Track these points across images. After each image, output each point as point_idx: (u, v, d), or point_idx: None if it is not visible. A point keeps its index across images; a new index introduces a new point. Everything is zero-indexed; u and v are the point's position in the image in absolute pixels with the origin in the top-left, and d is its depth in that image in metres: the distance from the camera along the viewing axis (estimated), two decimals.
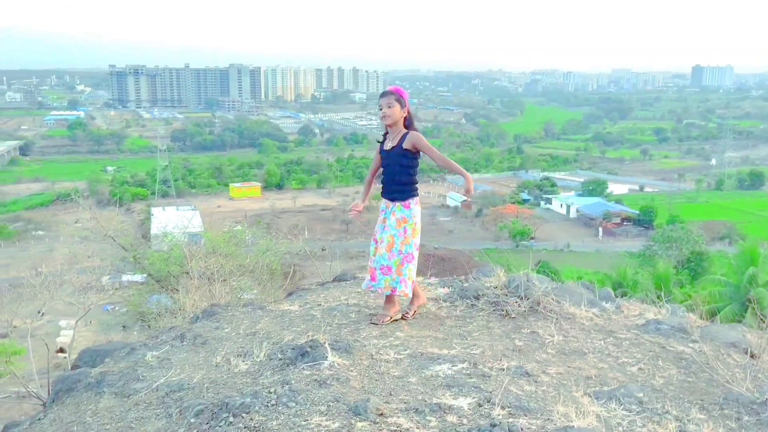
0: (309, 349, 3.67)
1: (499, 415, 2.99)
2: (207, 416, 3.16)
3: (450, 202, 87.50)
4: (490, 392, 3.25)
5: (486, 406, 3.09)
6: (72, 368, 4.88)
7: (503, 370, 3.64)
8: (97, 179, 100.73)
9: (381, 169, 4.68)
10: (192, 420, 3.20)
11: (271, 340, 4.21)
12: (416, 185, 4.61)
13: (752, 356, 4.46)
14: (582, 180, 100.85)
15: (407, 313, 4.66)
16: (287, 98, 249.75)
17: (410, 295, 4.60)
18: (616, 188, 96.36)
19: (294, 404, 3.07)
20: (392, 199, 4.56)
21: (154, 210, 77.64)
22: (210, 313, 4.99)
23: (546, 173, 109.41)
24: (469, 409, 3.07)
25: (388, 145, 4.59)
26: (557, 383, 3.55)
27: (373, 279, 4.53)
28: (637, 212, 76.15)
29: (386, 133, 4.65)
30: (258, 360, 3.85)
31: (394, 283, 4.49)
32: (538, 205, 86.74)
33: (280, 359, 3.77)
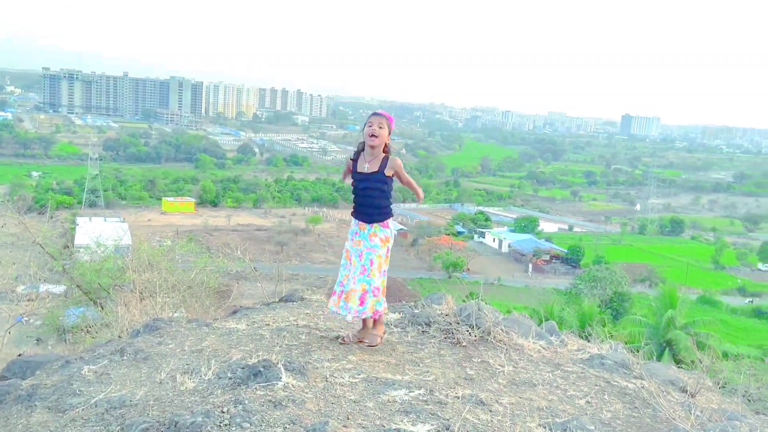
0: (262, 369, 3.55)
1: None
2: None
3: None
4: (448, 420, 3.22)
5: None
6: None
7: (458, 398, 3.62)
8: (20, 184, 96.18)
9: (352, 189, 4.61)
10: None
11: (218, 358, 4.06)
12: (391, 206, 4.61)
13: (692, 395, 4.61)
14: (515, 216, 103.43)
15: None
16: (228, 115, 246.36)
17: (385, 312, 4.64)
18: (546, 226, 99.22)
19: (248, 425, 2.95)
20: (370, 221, 4.50)
21: (80, 220, 74.72)
22: (152, 328, 4.78)
23: (481, 207, 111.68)
24: None
25: (365, 168, 4.48)
26: (511, 413, 3.56)
27: (362, 303, 4.45)
28: (566, 251, 78.51)
29: (361, 150, 4.54)
30: (206, 378, 3.69)
31: (378, 304, 4.50)
32: (472, 238, 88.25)
33: (230, 378, 3.63)
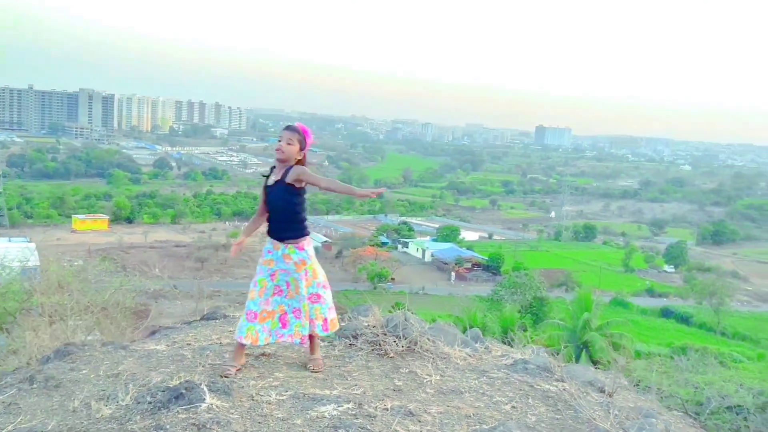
0: (184, 391, 3.41)
1: None
2: None
3: None
4: None
5: None
6: None
7: (387, 410, 3.61)
8: None
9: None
10: None
11: (137, 382, 3.87)
12: (305, 222, 4.38)
13: (609, 395, 4.80)
14: (437, 226, 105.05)
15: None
16: (143, 129, 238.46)
17: (322, 335, 4.48)
18: (468, 235, 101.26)
19: None
20: (281, 239, 4.28)
21: None
22: (63, 353, 4.52)
23: (404, 218, 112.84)
24: None
25: (271, 180, 4.30)
26: (440, 422, 3.58)
27: (283, 326, 4.29)
28: (487, 259, 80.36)
29: (273, 167, 4.38)
30: (123, 404, 3.52)
31: (303, 329, 4.30)
32: (396, 248, 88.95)
33: (150, 402, 3.47)
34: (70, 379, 4.03)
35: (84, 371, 4.18)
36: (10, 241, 67.09)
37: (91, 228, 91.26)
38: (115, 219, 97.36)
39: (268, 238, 4.36)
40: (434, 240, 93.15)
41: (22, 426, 3.33)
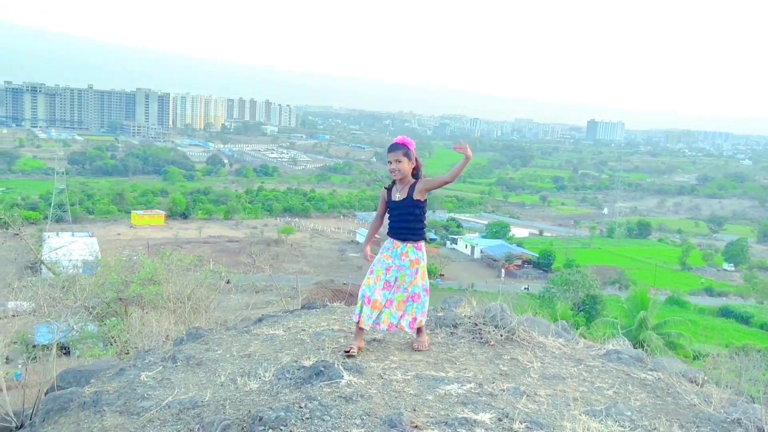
0: (323, 369, 3.79)
1: (519, 429, 3.25)
2: (236, 431, 3.21)
3: (359, 239, 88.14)
4: (503, 409, 3.51)
5: (505, 421, 3.34)
6: (51, 390, 4.70)
7: (504, 390, 3.91)
8: None
9: (387, 215, 4.81)
10: None
11: (270, 362, 4.28)
12: (425, 227, 4.80)
13: (700, 386, 4.99)
14: (486, 222, 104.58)
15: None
16: (197, 126, 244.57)
17: (410, 333, 4.81)
18: (517, 231, 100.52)
19: (329, 417, 3.20)
20: (404, 239, 4.68)
21: (47, 235, 73.38)
22: (195, 336, 4.97)
23: (452, 214, 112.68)
24: (491, 423, 3.31)
25: (397, 196, 4.70)
26: (553, 403, 3.85)
27: (401, 317, 4.68)
28: (537, 255, 79.63)
29: (394, 181, 4.77)
30: (266, 379, 3.92)
31: (418, 311, 4.69)
32: (445, 244, 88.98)
33: (290, 379, 3.86)
34: (208, 358, 4.47)
35: (219, 351, 4.62)
36: (73, 235, 70.11)
37: (149, 223, 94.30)
38: (171, 214, 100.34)
39: (389, 238, 4.78)
40: (483, 236, 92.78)
41: (181, 397, 3.75)
